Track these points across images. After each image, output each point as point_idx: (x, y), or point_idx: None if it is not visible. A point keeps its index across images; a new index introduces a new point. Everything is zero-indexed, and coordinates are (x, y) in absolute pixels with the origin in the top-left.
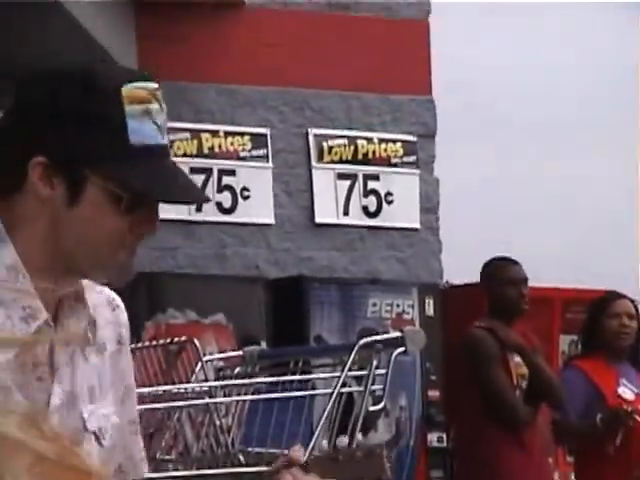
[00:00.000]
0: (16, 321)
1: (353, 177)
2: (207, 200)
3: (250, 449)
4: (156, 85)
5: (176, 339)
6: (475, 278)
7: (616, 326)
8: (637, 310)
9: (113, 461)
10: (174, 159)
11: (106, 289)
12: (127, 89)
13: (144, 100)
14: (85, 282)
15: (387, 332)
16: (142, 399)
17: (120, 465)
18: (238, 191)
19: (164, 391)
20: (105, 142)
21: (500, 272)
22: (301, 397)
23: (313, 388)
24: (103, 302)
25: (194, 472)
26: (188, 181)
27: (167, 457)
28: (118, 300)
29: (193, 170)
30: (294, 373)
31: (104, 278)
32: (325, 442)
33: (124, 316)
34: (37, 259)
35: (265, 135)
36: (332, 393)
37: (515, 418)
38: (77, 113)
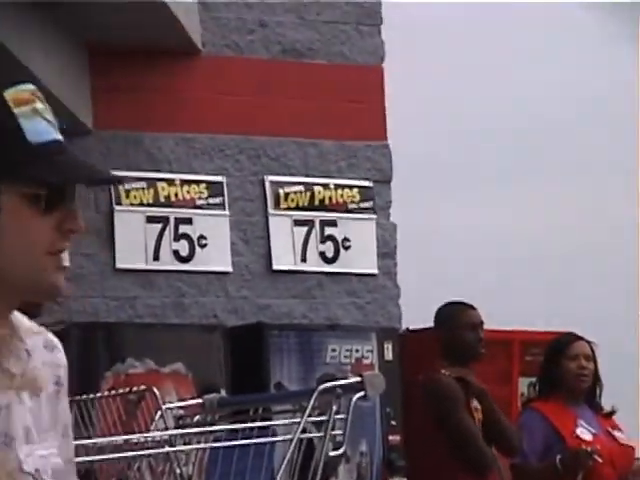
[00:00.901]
0: None
1: (310, 223)
2: (119, 181)
3: None
4: (33, 86)
5: (135, 388)
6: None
7: (574, 368)
8: (594, 352)
9: None
10: (130, 208)
11: (44, 331)
12: (9, 93)
13: (29, 101)
14: (23, 322)
15: (346, 377)
16: (102, 449)
17: None
18: (195, 239)
19: (124, 441)
20: (7, 149)
21: (457, 316)
22: (261, 444)
23: (274, 435)
24: (40, 344)
25: None
26: (96, 167)
27: None
28: (56, 341)
29: (150, 219)
30: (254, 420)
31: (38, 294)
32: None
33: (62, 357)
34: None
35: (222, 183)
36: (292, 439)
37: (484, 461)
38: None
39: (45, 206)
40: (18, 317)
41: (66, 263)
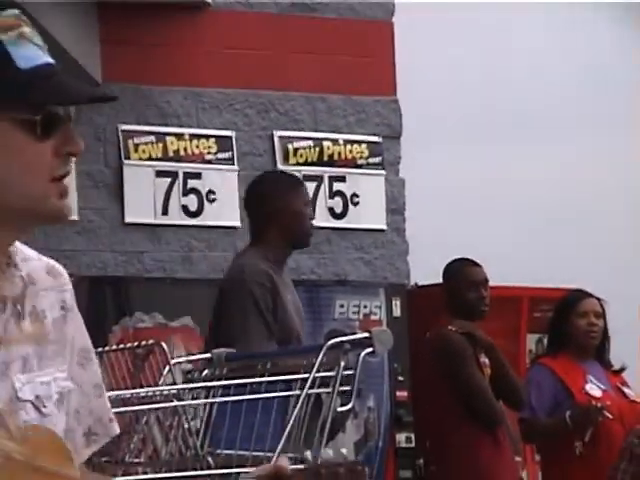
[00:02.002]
0: None
1: (319, 179)
2: (112, 98)
3: (219, 451)
4: (17, 10)
5: (144, 342)
6: (441, 278)
7: (584, 325)
8: (603, 309)
9: (60, 428)
10: (139, 163)
11: (44, 258)
12: None
13: (14, 26)
14: (25, 251)
15: (355, 333)
16: (110, 403)
17: (90, 428)
18: (204, 194)
19: (132, 394)
20: None
21: (460, 274)
22: (269, 399)
23: (282, 390)
24: (41, 269)
25: (163, 475)
26: (89, 87)
27: (136, 460)
28: (59, 267)
29: (159, 173)
30: (262, 375)
31: (43, 221)
32: (309, 453)
33: (66, 282)
34: None
35: (230, 138)
36: (300, 395)
37: (493, 415)
38: None
39: (41, 131)
40: (17, 245)
41: (70, 187)
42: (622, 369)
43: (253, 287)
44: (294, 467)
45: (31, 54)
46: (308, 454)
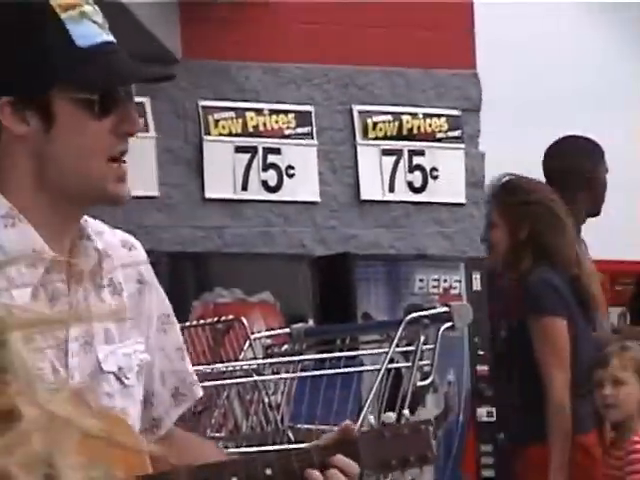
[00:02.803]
0: (23, 268)
1: (398, 153)
2: (170, 77)
3: (299, 426)
4: None
5: (224, 318)
6: None
7: None
8: None
9: (138, 399)
10: (219, 138)
11: (119, 231)
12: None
13: (75, 5)
14: (97, 225)
15: (434, 307)
16: None
17: (177, 388)
18: (283, 169)
19: (212, 369)
20: (56, 55)
21: None
22: (349, 374)
23: (361, 364)
24: (117, 243)
25: (245, 449)
26: (148, 65)
27: (217, 435)
28: (133, 240)
29: (238, 149)
30: (341, 350)
31: (100, 202)
32: (372, 418)
33: (142, 255)
34: (30, 202)
35: (309, 113)
36: (380, 369)
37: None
38: (22, 40)
39: (99, 110)
40: (88, 219)
41: (150, 163)
42: None
43: None
44: (359, 431)
45: (90, 32)
46: (372, 418)
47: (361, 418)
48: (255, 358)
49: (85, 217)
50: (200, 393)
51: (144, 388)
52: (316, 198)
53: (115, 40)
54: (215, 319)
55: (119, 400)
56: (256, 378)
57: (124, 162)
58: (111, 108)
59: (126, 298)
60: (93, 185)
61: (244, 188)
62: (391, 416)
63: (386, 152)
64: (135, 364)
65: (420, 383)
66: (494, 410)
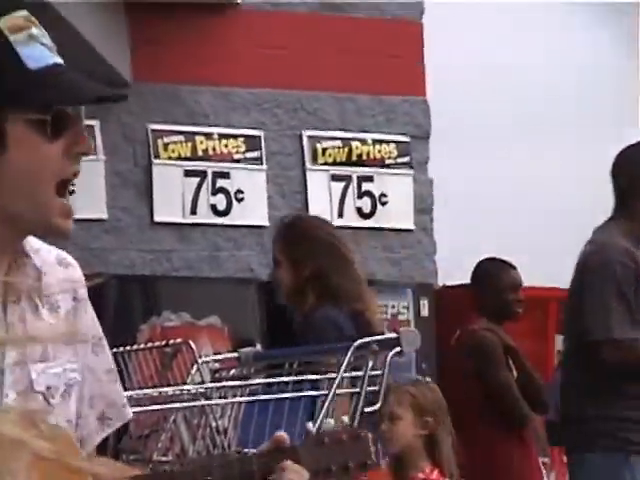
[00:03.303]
0: None
1: (347, 178)
2: (122, 97)
3: (246, 450)
4: (26, 12)
5: (172, 341)
6: (469, 279)
7: None
8: None
9: (63, 420)
10: (168, 162)
11: (54, 249)
12: (3, 22)
13: (23, 27)
14: (34, 242)
15: (382, 333)
16: (138, 401)
17: (103, 412)
18: (232, 193)
19: (160, 393)
20: (6, 77)
21: (499, 275)
22: (297, 398)
23: (312, 389)
24: (52, 261)
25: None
26: (99, 86)
27: (164, 459)
28: (70, 258)
29: (187, 173)
30: (290, 374)
31: (45, 234)
32: (310, 424)
33: (78, 273)
34: None
35: (259, 137)
36: (328, 394)
37: (523, 416)
38: None
39: (51, 132)
40: (27, 237)
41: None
42: None
43: (616, 267)
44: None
45: (40, 54)
46: (310, 425)
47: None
48: (203, 382)
49: None
50: (129, 415)
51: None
52: (265, 222)
53: (64, 62)
54: (163, 342)
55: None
56: (203, 402)
57: (71, 193)
58: (63, 129)
59: (63, 316)
60: (39, 216)
61: (193, 212)
62: (330, 422)
63: (335, 177)
64: (62, 383)
65: (368, 409)
66: None
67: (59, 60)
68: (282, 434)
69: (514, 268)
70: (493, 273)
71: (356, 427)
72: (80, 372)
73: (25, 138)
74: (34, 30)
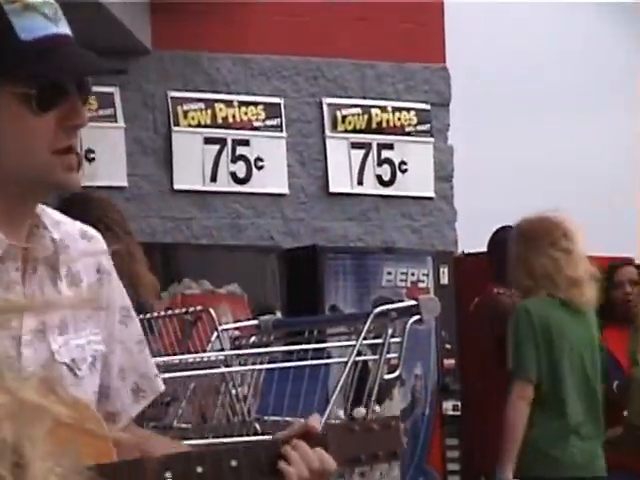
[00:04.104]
0: None
1: (367, 146)
2: (120, 71)
3: (266, 418)
4: None
5: (192, 309)
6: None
7: (621, 294)
8: None
9: (90, 391)
10: (188, 129)
11: (75, 221)
12: None
13: None
14: (55, 215)
15: (402, 301)
16: (159, 368)
17: (137, 384)
18: (252, 161)
19: (180, 360)
20: None
21: (505, 242)
22: (316, 366)
23: (329, 357)
24: (75, 234)
25: (211, 440)
26: (94, 58)
27: (184, 426)
28: (92, 230)
29: (207, 140)
30: (309, 342)
31: (50, 192)
32: (341, 412)
33: (102, 245)
34: None
35: (279, 105)
36: (347, 362)
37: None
38: None
39: (40, 104)
40: (45, 209)
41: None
42: None
43: None
44: (329, 423)
45: (35, 25)
46: (341, 413)
47: (327, 411)
48: (223, 349)
49: (43, 207)
50: (162, 387)
51: (100, 380)
52: (285, 190)
53: (67, 32)
54: (183, 310)
55: (71, 391)
56: (223, 370)
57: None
58: (54, 103)
59: (85, 288)
60: (40, 177)
61: (213, 179)
62: (362, 411)
63: (355, 145)
64: (88, 355)
65: (387, 376)
66: (460, 404)
67: (60, 30)
68: (314, 423)
69: None
70: (505, 239)
71: (388, 416)
72: (106, 343)
73: (13, 110)
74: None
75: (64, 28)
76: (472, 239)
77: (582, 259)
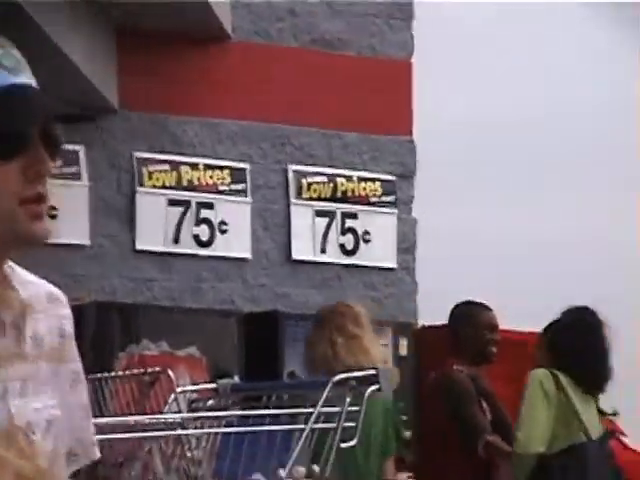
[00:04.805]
0: None
1: (331, 215)
2: (78, 118)
3: None
4: None
5: (150, 369)
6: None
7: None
8: None
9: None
10: (152, 190)
11: (45, 283)
12: None
13: None
14: (24, 275)
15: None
16: (114, 428)
17: (71, 449)
18: (216, 225)
19: (136, 421)
20: None
21: (476, 316)
22: (273, 431)
23: (286, 423)
24: (40, 294)
25: None
26: (49, 107)
27: None
28: (58, 293)
29: (171, 202)
30: (267, 407)
31: (19, 244)
32: (302, 469)
33: (65, 308)
34: None
35: (245, 170)
36: (305, 429)
37: (480, 432)
38: None
39: (3, 153)
40: (15, 268)
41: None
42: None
43: None
44: None
45: None
46: (281, 472)
47: (285, 473)
48: (180, 411)
49: (12, 265)
50: (97, 455)
51: None
52: (248, 255)
53: (28, 82)
54: (142, 370)
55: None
56: (179, 432)
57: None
58: (16, 151)
59: (48, 351)
60: (5, 224)
61: (176, 241)
62: (301, 470)
63: (319, 213)
64: (44, 419)
65: (344, 445)
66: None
67: (19, 81)
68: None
69: (490, 310)
70: (469, 314)
71: (320, 464)
72: (59, 408)
73: None
74: None
75: (25, 79)
76: (432, 312)
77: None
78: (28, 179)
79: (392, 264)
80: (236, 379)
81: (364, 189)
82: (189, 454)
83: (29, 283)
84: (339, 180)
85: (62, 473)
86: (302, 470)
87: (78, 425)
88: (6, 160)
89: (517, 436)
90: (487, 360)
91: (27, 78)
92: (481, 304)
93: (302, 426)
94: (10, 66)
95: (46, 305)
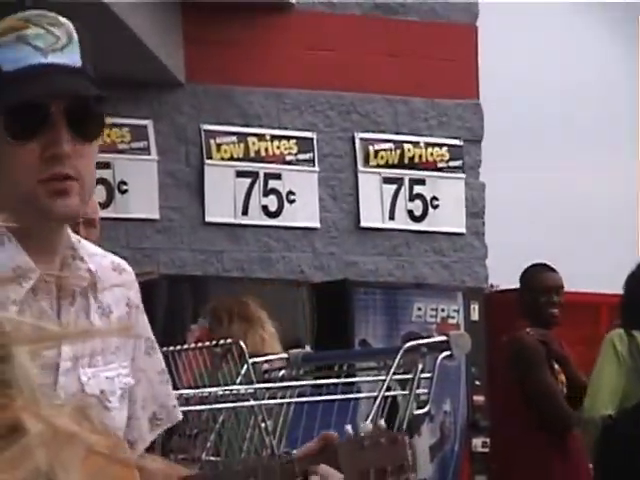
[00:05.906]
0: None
1: (399, 181)
2: (101, 97)
3: (295, 451)
4: (37, 12)
5: (222, 341)
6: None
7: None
8: None
9: (120, 423)
10: (221, 163)
11: (109, 254)
12: (2, 23)
13: (16, 28)
14: (90, 247)
15: (432, 336)
16: (187, 401)
17: (154, 413)
18: (284, 195)
19: (209, 393)
20: None
21: (535, 278)
22: (346, 400)
23: (358, 392)
24: (107, 266)
25: None
26: (77, 83)
27: (212, 458)
28: (124, 264)
29: (239, 174)
30: (338, 376)
31: (44, 220)
32: (349, 427)
33: (132, 279)
34: (15, 221)
35: (311, 139)
36: (377, 397)
37: (563, 420)
38: None
39: (20, 134)
40: (81, 241)
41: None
42: None
43: None
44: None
45: (22, 56)
46: (349, 428)
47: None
48: (252, 382)
49: (79, 238)
50: (179, 417)
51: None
52: (316, 224)
53: (60, 61)
54: (214, 342)
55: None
56: (252, 403)
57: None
58: (35, 132)
59: (115, 320)
60: (26, 203)
61: (244, 212)
62: (369, 426)
63: (387, 180)
64: (118, 387)
65: (416, 412)
66: (489, 440)
67: (50, 60)
68: (331, 433)
69: (553, 271)
70: (530, 276)
71: (394, 431)
72: (132, 374)
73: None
74: (29, 31)
75: (58, 58)
76: (503, 276)
77: None
78: (44, 160)
79: (461, 229)
80: (307, 349)
81: (431, 155)
82: (262, 424)
83: (95, 255)
84: (406, 146)
85: (143, 436)
86: (370, 425)
87: (158, 390)
88: (25, 140)
89: (584, 401)
90: (548, 323)
91: (61, 58)
92: (545, 265)
93: (374, 394)
94: (43, 46)
95: (112, 275)
